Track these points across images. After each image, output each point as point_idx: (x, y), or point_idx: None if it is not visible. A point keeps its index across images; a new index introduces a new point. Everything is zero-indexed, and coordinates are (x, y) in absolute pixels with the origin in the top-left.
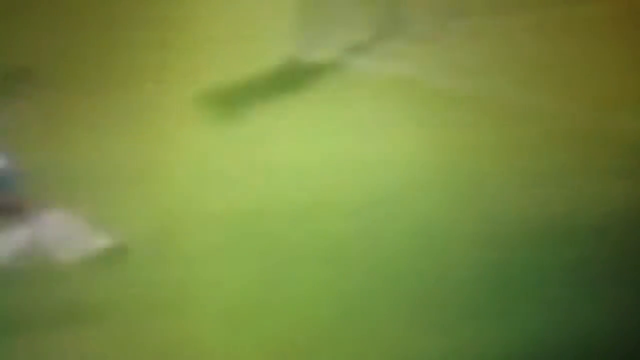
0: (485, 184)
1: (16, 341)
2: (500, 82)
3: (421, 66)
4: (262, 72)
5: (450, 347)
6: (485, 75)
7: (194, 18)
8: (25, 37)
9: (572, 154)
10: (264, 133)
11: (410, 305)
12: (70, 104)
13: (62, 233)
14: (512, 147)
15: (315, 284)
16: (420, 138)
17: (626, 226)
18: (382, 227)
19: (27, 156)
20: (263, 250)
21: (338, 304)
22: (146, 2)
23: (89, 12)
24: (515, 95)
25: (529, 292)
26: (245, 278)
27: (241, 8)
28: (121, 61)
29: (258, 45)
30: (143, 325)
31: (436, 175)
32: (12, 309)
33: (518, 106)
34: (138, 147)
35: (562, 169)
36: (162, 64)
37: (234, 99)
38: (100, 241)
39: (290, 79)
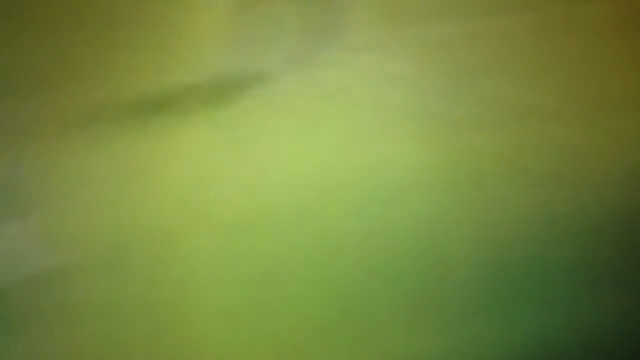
0: (485, 184)
1: None
2: (500, 82)
3: (357, 76)
4: (195, 81)
5: (450, 347)
6: (423, 85)
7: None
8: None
9: (572, 154)
10: (257, 133)
11: (410, 305)
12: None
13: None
14: (512, 147)
15: (315, 284)
16: (408, 140)
17: (626, 226)
18: (382, 227)
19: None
20: (263, 250)
21: (338, 304)
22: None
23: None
24: (515, 95)
25: (529, 292)
26: (245, 278)
27: (163, 15)
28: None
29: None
30: (142, 325)
31: (436, 175)
32: None
33: (518, 106)
34: (132, 146)
35: (562, 169)
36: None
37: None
38: (50, 259)
39: (222, 89)
